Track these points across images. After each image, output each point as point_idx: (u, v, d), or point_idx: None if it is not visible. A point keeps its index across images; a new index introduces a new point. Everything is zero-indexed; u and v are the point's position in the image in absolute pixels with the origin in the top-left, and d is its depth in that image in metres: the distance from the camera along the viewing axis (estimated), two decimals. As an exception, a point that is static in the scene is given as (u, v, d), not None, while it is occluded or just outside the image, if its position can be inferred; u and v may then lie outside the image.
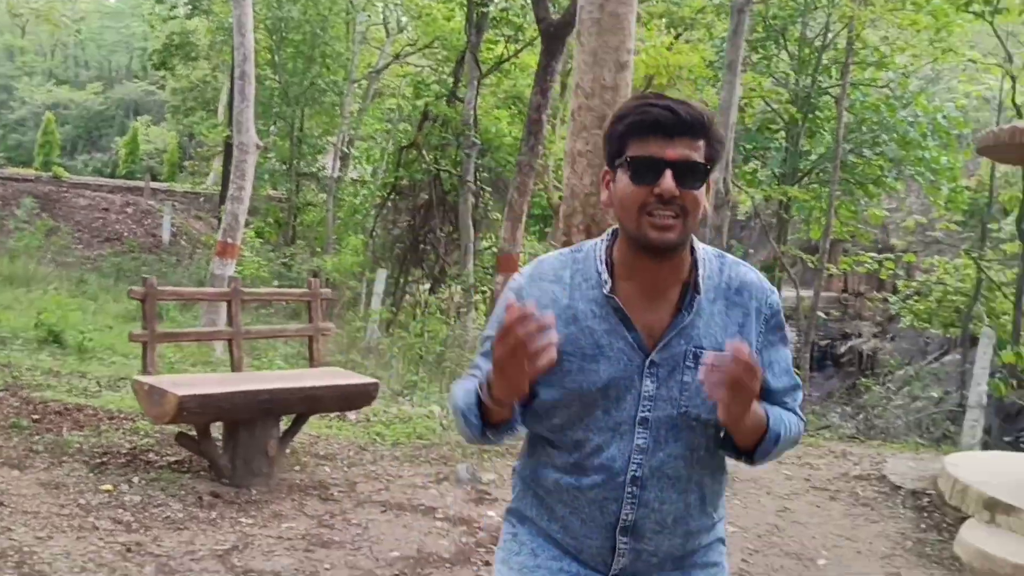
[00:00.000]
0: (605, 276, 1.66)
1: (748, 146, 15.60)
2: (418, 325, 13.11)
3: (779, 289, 16.08)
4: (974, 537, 5.48)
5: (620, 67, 3.62)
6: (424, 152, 16.20)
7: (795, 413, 1.77)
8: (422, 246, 17.07)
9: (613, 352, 1.64)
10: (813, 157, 14.73)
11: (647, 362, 1.64)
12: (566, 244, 3.63)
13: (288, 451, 5.81)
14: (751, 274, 1.73)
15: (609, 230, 1.74)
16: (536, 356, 1.47)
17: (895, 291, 18.47)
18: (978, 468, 6.42)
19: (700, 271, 1.66)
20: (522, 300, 1.64)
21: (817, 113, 14.55)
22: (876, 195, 15.78)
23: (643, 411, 1.64)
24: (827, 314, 22.58)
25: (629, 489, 1.66)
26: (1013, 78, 12.99)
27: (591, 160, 3.61)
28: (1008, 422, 15.39)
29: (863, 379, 16.16)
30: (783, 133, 15.68)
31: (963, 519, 5.84)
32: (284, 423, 5.70)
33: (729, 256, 1.75)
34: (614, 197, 1.64)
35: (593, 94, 3.63)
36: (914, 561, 5.32)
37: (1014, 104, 13.19)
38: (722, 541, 1.87)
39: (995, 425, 14.24)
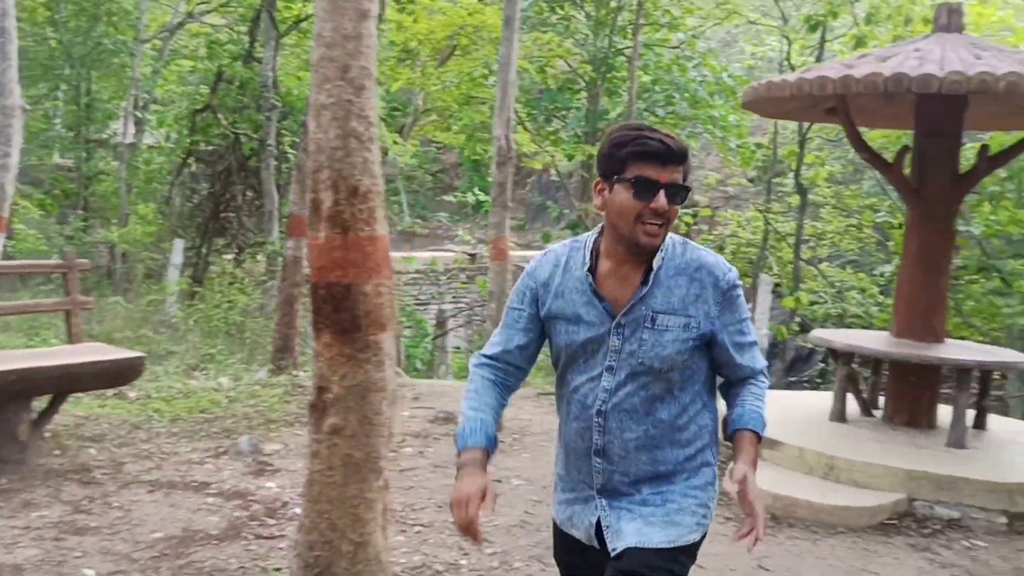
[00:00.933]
0: (587, 261, 2.19)
1: (550, 106, 15.81)
2: (216, 296, 12.58)
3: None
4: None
5: (361, 16, 3.48)
6: (221, 116, 15.45)
7: (755, 376, 2.29)
8: (224, 214, 16.36)
9: (589, 318, 2.16)
10: (612, 116, 15.09)
11: (614, 324, 2.14)
12: (314, 202, 3.48)
13: (47, 434, 5.41)
14: (709, 257, 2.20)
15: (599, 226, 2.23)
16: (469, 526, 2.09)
17: (698, 246, 19.25)
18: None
19: (660, 254, 2.15)
20: (533, 279, 2.27)
21: (614, 73, 14.89)
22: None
23: (610, 361, 2.15)
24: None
25: (596, 420, 2.16)
26: (788, 39, 13.74)
27: (336, 113, 3.46)
28: (800, 363, 16.49)
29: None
30: (584, 93, 15.96)
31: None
32: (42, 404, 5.29)
33: (692, 243, 2.22)
34: (610, 205, 2.12)
35: (335, 44, 3.47)
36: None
37: (789, 63, 13.96)
38: (708, 466, 2.29)
39: (781, 368, 15.21)
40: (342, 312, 3.49)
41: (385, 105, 20.17)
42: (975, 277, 14.27)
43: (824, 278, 15.13)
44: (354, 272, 3.50)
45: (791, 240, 15.38)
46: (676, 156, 2.07)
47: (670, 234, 2.19)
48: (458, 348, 15.44)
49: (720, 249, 17.68)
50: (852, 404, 6.73)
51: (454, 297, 18.35)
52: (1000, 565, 4.77)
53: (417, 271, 18.14)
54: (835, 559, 4.73)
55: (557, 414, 2.37)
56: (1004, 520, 5.23)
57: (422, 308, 17.43)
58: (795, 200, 15.45)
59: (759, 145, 16.93)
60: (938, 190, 6.39)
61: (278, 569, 3.99)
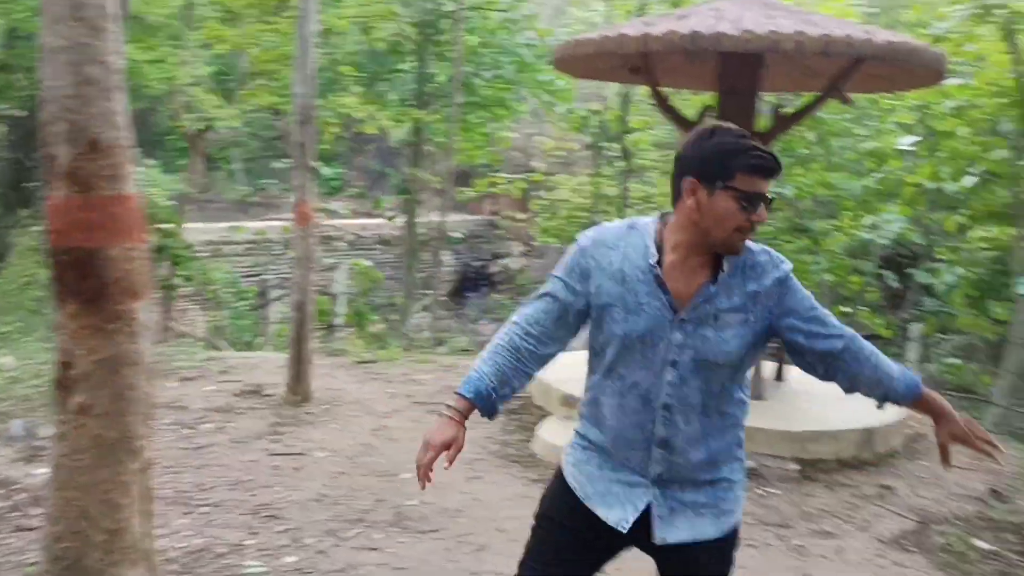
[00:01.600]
0: (653, 251, 2.15)
1: (378, 69, 15.41)
2: (16, 271, 11.66)
3: (413, 215, 16.26)
4: (548, 432, 5.79)
5: (94, -53, 3.11)
6: (19, 75, 14.27)
7: (854, 338, 2.25)
8: (26, 183, 15.16)
9: (651, 309, 2.14)
10: (441, 80, 14.85)
11: (677, 319, 2.13)
12: (48, 157, 3.12)
13: None
14: (764, 255, 2.20)
15: (658, 214, 2.22)
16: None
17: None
18: (564, 368, 6.78)
19: (726, 259, 2.16)
20: (586, 257, 2.21)
21: (440, 36, 14.64)
22: (503, 117, 16.32)
23: (672, 355, 2.15)
24: (477, 236, 23.42)
25: (663, 414, 2.17)
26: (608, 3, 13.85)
27: (70, 58, 3.10)
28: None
29: (494, 294, 16.83)
30: (412, 56, 15.64)
31: (545, 418, 6.15)
32: None
33: (747, 241, 2.18)
34: (708, 209, 2.09)
35: (66, -21, 3.09)
36: (496, 463, 5.50)
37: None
38: (743, 451, 2.35)
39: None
40: (87, 280, 3.16)
41: (212, 68, 19.23)
42: (788, 238, 14.96)
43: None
44: (100, 235, 3.17)
45: (619, 203, 15.65)
46: (776, 172, 2.11)
47: None
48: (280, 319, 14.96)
49: (554, 214, 17.85)
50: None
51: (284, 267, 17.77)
52: (788, 510, 4.94)
53: (250, 241, 17.44)
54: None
55: (587, 396, 2.35)
56: (796, 468, 5.43)
57: (253, 279, 16.78)
58: (622, 165, 15.72)
59: (595, 111, 17.11)
60: (738, 150, 6.52)
61: (33, 564, 3.64)
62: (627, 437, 2.23)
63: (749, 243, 2.18)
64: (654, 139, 15.70)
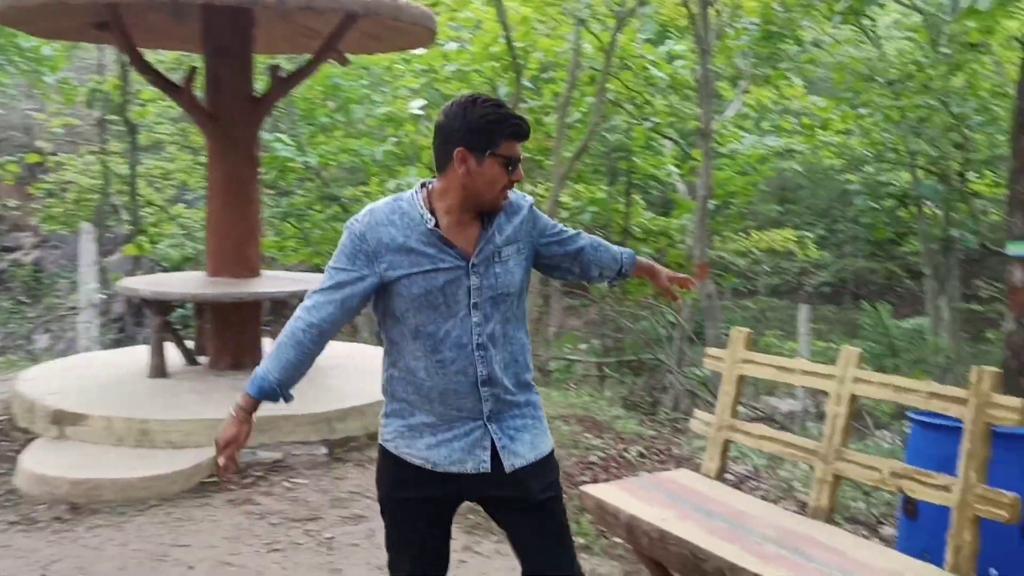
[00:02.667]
0: (429, 216, 2.34)
1: None
2: None
3: None
4: (33, 460, 4.85)
5: None
6: None
7: (586, 235, 2.69)
8: None
9: (444, 265, 2.32)
10: None
11: (470, 265, 2.34)
12: None
13: None
14: (512, 195, 2.44)
15: (418, 184, 2.41)
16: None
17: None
18: (55, 379, 5.82)
19: None
20: (366, 241, 2.33)
21: None
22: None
23: (474, 298, 2.35)
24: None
25: (478, 353, 2.36)
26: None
27: None
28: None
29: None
30: None
31: (31, 442, 5.17)
32: None
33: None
34: (479, 175, 2.30)
35: None
36: None
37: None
38: (533, 386, 2.55)
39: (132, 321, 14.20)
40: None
41: None
42: (319, 207, 14.82)
43: (173, 219, 14.39)
44: None
45: (138, 182, 14.29)
46: (529, 134, 2.36)
47: None
48: None
49: (60, 198, 15.83)
50: (178, 355, 6.17)
51: None
52: (318, 499, 4.62)
53: None
54: (142, 541, 4.11)
55: (394, 370, 2.45)
56: (325, 451, 5.13)
57: None
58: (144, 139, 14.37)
59: (97, 82, 15.32)
60: (235, 114, 6.00)
61: None
62: (454, 388, 2.37)
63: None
64: (166, 111, 14.51)
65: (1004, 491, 2.54)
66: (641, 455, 5.62)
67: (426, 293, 2.31)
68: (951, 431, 3.18)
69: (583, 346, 14.08)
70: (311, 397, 5.53)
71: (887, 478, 2.84)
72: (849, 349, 3.09)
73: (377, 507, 4.54)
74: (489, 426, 2.39)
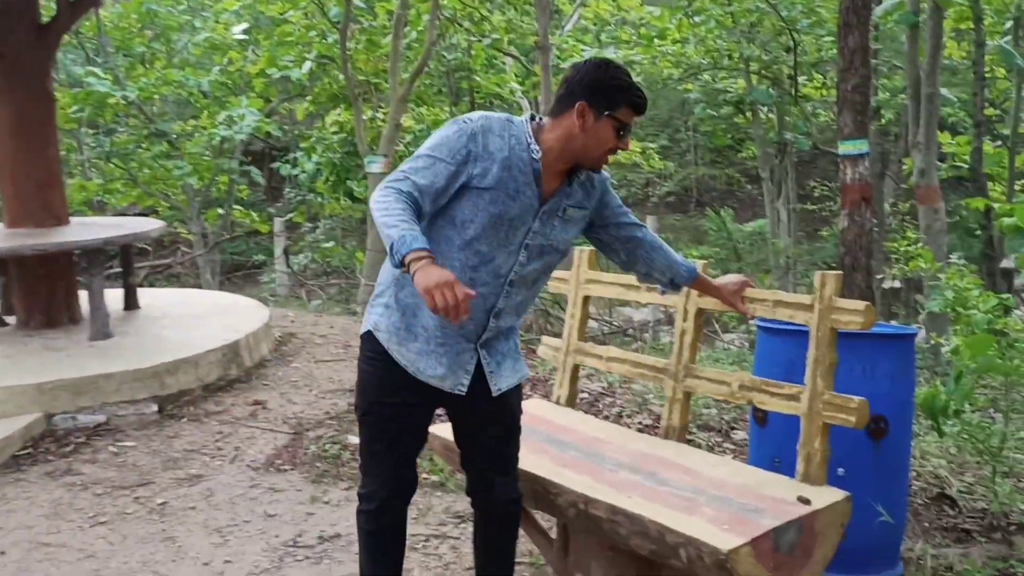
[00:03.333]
0: (536, 147, 2.39)
1: None
2: None
3: None
4: None
5: None
6: None
7: (648, 229, 2.72)
8: None
9: (524, 198, 2.38)
10: None
11: (540, 210, 2.42)
12: None
13: None
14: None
15: (528, 114, 2.46)
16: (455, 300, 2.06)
17: None
18: None
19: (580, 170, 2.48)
20: (475, 141, 2.34)
21: None
22: None
23: (528, 240, 2.43)
24: None
25: (506, 288, 2.44)
26: None
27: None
28: None
29: None
30: None
31: None
32: None
33: None
34: (591, 132, 2.36)
35: None
36: None
37: None
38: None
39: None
40: None
41: None
42: (147, 145, 13.85)
43: None
44: None
45: None
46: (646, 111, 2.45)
47: None
48: None
49: None
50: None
51: None
52: (148, 462, 4.26)
53: None
54: (-59, 530, 3.67)
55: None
56: (155, 408, 4.74)
57: None
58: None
59: None
60: (22, 46, 5.34)
61: None
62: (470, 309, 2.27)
63: None
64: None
65: (852, 396, 2.49)
66: (495, 382, 5.48)
67: (498, 215, 2.36)
68: (796, 335, 3.14)
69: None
70: (137, 350, 5.11)
71: (737, 392, 2.76)
72: (694, 262, 2.97)
73: (215, 464, 4.25)
74: (480, 351, 2.49)
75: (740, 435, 4.84)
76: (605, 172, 2.55)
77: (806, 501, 2.41)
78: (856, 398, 2.47)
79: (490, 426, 2.56)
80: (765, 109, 14.24)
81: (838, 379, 2.62)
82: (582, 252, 3.25)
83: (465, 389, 2.47)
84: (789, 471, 2.70)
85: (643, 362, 3.07)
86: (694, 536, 2.27)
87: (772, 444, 3.41)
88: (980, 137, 8.22)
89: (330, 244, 13.74)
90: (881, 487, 3.31)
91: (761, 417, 3.44)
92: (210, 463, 4.27)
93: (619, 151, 2.43)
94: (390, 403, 2.47)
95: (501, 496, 2.58)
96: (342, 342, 6.12)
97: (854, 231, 6.57)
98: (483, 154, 2.33)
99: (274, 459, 4.30)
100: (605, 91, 2.35)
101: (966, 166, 9.92)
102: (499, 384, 2.52)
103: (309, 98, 12.83)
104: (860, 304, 2.48)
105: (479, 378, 2.49)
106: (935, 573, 3.32)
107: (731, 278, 2.85)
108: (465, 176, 2.32)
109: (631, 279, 2.95)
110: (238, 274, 16.32)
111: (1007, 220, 3.09)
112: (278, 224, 13.22)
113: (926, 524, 3.95)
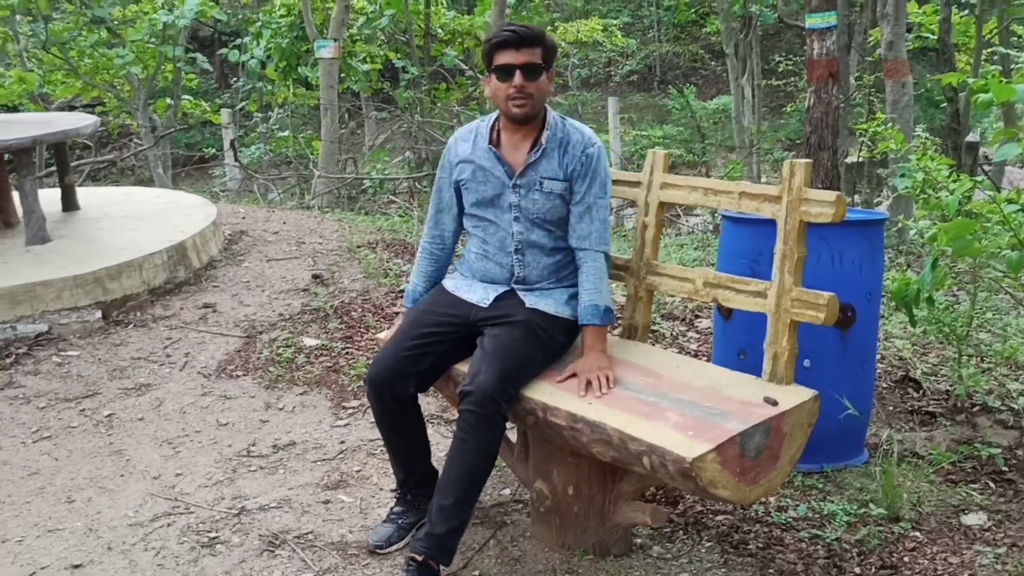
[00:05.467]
0: (486, 134, 2.74)
1: None
2: None
3: None
4: None
5: None
6: None
7: (591, 250, 2.69)
8: None
9: (494, 177, 2.71)
10: None
11: (512, 184, 2.68)
12: None
13: None
14: (577, 133, 2.70)
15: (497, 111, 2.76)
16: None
17: None
18: None
19: (545, 131, 2.68)
20: (450, 152, 2.82)
21: None
22: None
23: (515, 212, 2.69)
24: None
25: (516, 257, 2.72)
26: None
27: None
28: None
29: None
30: None
31: None
32: None
33: (570, 119, 2.75)
34: (492, 92, 2.67)
35: None
36: None
37: None
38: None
39: None
40: None
41: None
42: (85, 33, 13.13)
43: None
44: None
45: None
46: (527, 40, 2.59)
47: (553, 112, 2.73)
48: None
49: None
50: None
51: None
52: (94, 372, 4.10)
53: None
54: None
55: (466, 241, 2.90)
56: (99, 315, 4.54)
57: None
58: None
59: None
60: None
61: None
62: (491, 277, 2.77)
63: (568, 122, 2.72)
64: None
65: (820, 292, 2.36)
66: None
67: (480, 198, 2.73)
68: (762, 224, 3.00)
69: (397, 159, 13.51)
70: (77, 255, 4.87)
71: (701, 289, 2.62)
72: (655, 153, 2.78)
73: (164, 372, 4.10)
74: (515, 287, 2.74)
75: (704, 323, 4.76)
76: (592, 148, 2.66)
77: (773, 402, 2.31)
78: (825, 294, 2.34)
79: (501, 330, 2.60)
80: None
81: (805, 268, 2.48)
82: (655, 153, 2.85)
83: (488, 303, 2.70)
84: (755, 364, 2.59)
85: (603, 258, 2.91)
86: (657, 444, 2.17)
87: (737, 338, 3.31)
88: (948, 6, 7.95)
89: (284, 134, 13.30)
90: (847, 377, 3.25)
91: (725, 310, 3.33)
92: (158, 371, 4.11)
93: (517, 91, 2.58)
94: (422, 308, 2.81)
95: (480, 383, 2.42)
96: (295, 239, 5.90)
97: (820, 109, 6.38)
98: (455, 159, 2.79)
99: (226, 365, 4.16)
100: (485, 56, 2.67)
101: (933, 36, 9.68)
102: (530, 301, 2.68)
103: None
104: (831, 195, 2.33)
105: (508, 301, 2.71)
106: (900, 459, 3.29)
107: (589, 363, 2.54)
108: (456, 180, 2.79)
109: (715, 182, 2.71)
110: (191, 167, 15.86)
111: (983, 97, 2.92)
112: (226, 115, 12.71)
113: (890, 408, 3.92)
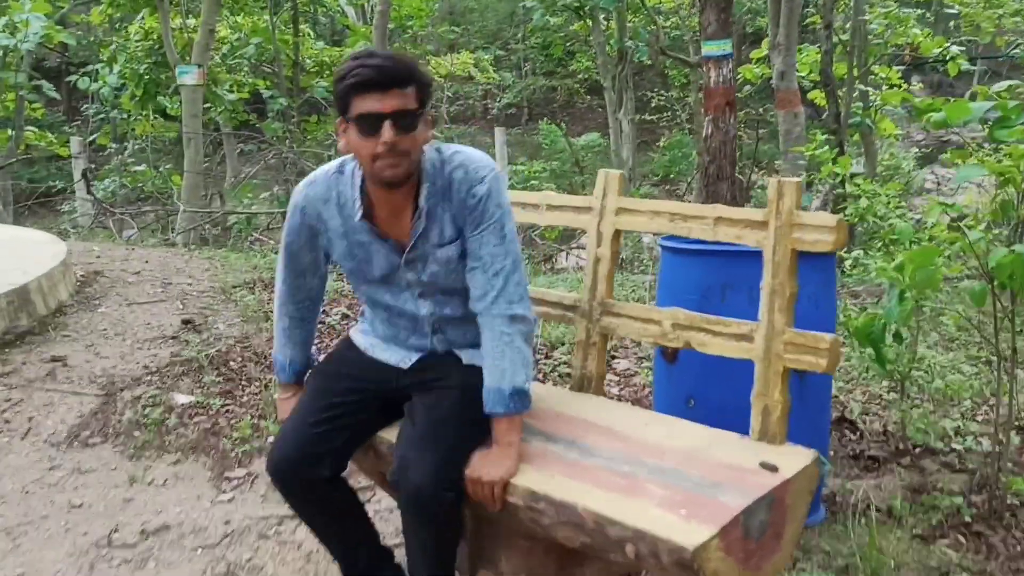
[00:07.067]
0: (359, 205, 2.06)
1: None
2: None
3: None
4: None
5: None
6: None
7: (494, 309, 2.05)
8: None
9: (379, 256, 2.10)
10: None
11: (403, 260, 2.09)
12: None
13: None
14: (459, 171, 2.04)
15: None
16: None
17: None
18: None
19: (423, 188, 2.04)
20: (306, 216, 2.13)
21: None
22: None
23: (417, 289, 2.14)
24: None
25: (433, 336, 2.21)
26: None
27: None
28: None
29: None
30: None
31: None
32: None
33: (449, 151, 2.08)
34: (353, 147, 1.97)
35: None
36: None
37: None
38: None
39: None
40: None
41: None
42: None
43: None
44: None
45: None
46: (396, 79, 1.90)
47: (430, 148, 2.06)
48: None
49: None
50: None
51: None
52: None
53: None
54: None
55: (366, 311, 2.34)
56: (-81, 374, 3.80)
57: None
58: None
59: None
60: None
61: None
62: (408, 343, 2.24)
63: (447, 156, 2.07)
64: None
65: (820, 334, 2.01)
66: (346, 317, 4.81)
67: (367, 280, 2.17)
68: (708, 255, 2.66)
69: (264, 195, 12.79)
70: None
71: (670, 332, 2.23)
72: (608, 173, 2.38)
73: (2, 442, 3.42)
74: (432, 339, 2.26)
75: (623, 364, 4.40)
76: (480, 187, 2.03)
77: (772, 468, 1.93)
78: (827, 336, 1.99)
79: (431, 398, 2.14)
80: (603, 16, 13.76)
81: (751, 305, 2.13)
82: (608, 174, 2.42)
83: (408, 365, 2.22)
84: (704, 414, 2.24)
85: (546, 298, 2.49)
86: (645, 529, 1.75)
87: (684, 383, 2.93)
88: (830, 39, 8.02)
89: (141, 167, 12.38)
90: (806, 425, 2.90)
91: (672, 353, 2.97)
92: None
93: (387, 150, 1.91)
94: (333, 370, 2.32)
95: (414, 479, 1.95)
96: (160, 279, 5.25)
97: (719, 137, 6.19)
98: (320, 229, 2.15)
99: (79, 431, 3.50)
100: (339, 96, 1.96)
101: (811, 74, 9.83)
102: (466, 357, 2.21)
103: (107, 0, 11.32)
104: (830, 219, 1.99)
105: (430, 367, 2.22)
106: (857, 511, 3.00)
107: (487, 465, 1.99)
108: (323, 249, 2.19)
109: (683, 206, 2.26)
110: (36, 203, 14.62)
111: (935, 116, 2.68)
112: (75, 145, 11.70)
113: (831, 452, 3.65)
